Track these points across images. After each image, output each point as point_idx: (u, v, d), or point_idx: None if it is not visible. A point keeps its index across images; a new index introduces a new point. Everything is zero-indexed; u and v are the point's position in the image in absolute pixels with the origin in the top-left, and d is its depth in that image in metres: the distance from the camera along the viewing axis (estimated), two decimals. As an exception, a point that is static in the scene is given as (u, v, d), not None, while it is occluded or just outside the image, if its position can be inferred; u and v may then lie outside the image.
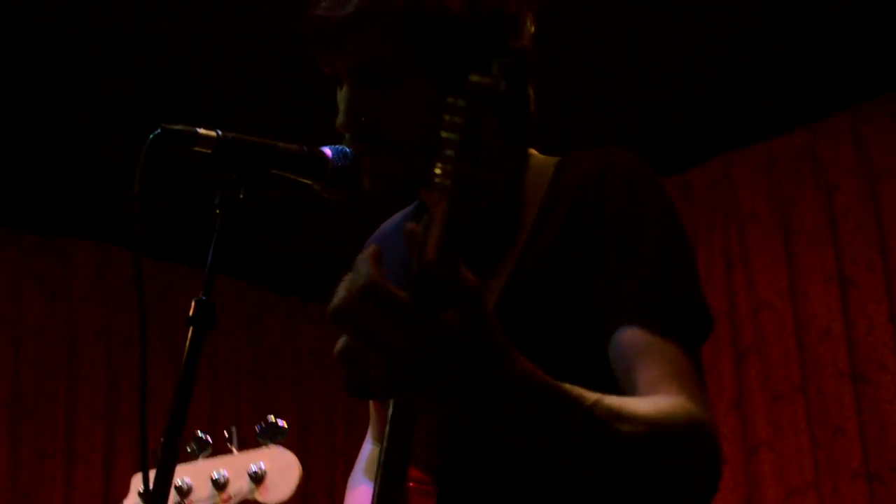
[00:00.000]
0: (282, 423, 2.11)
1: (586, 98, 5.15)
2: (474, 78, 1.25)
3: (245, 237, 6.08)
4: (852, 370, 5.14)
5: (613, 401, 1.44)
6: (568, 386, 1.37)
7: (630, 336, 1.63)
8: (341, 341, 1.30)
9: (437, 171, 1.24)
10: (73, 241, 6.13)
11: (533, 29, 1.84)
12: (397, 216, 2.10)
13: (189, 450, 2.13)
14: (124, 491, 6.05)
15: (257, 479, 2.08)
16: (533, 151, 1.95)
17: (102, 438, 6.01)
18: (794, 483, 5.18)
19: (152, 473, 1.50)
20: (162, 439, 1.51)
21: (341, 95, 1.79)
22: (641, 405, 1.49)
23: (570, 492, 1.64)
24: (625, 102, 5.23)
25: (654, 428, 1.46)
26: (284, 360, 6.96)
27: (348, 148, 1.77)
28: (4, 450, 5.73)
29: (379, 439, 2.17)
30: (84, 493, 5.88)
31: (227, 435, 2.12)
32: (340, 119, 1.78)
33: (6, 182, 5.62)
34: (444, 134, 1.23)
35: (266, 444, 2.09)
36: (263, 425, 2.11)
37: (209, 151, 1.65)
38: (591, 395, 1.40)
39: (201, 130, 1.64)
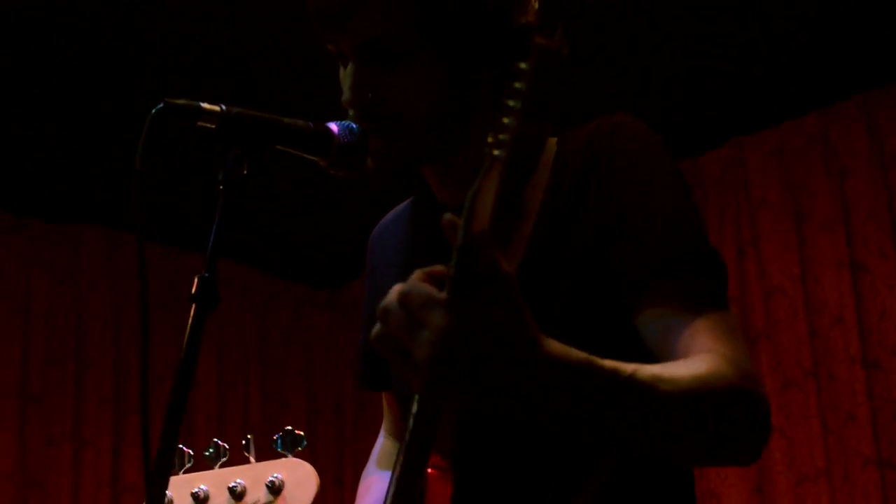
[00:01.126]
0: (299, 432, 2.09)
1: (597, 83, 5.12)
2: (539, 40, 1.18)
3: (255, 223, 6.07)
4: (864, 356, 5.11)
5: (653, 367, 1.41)
6: (605, 360, 1.33)
7: (660, 309, 1.60)
8: (378, 330, 1.27)
9: (490, 139, 1.18)
10: (80, 227, 6.11)
11: (537, 6, 1.82)
12: (392, 214, 2.09)
13: (206, 455, 2.11)
14: (133, 476, 6.05)
15: (275, 489, 2.06)
16: None
17: (110, 424, 6.00)
18: (805, 470, 5.16)
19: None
20: (164, 421, 1.48)
21: (345, 73, 1.77)
22: (681, 367, 1.46)
23: (587, 473, 1.62)
24: (635, 87, 5.20)
25: (697, 385, 1.42)
26: (293, 348, 6.95)
27: (354, 124, 1.75)
28: (13, 436, 5.72)
29: (393, 433, 2.16)
30: (92, 478, 5.87)
31: (244, 443, 2.10)
32: (346, 95, 1.76)
33: (12, 169, 5.61)
34: (505, 101, 1.17)
35: (284, 455, 2.08)
36: (281, 435, 2.10)
37: (213, 126, 1.62)
38: (629, 365, 1.36)
39: (205, 105, 1.62)
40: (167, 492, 1.50)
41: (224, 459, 2.11)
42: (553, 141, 1.86)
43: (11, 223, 5.95)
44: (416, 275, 1.26)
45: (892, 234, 5.13)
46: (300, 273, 6.97)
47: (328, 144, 1.72)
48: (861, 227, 5.22)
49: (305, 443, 2.10)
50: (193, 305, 1.53)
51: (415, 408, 1.34)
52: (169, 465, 1.46)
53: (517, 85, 1.14)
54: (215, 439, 2.15)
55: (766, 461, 5.21)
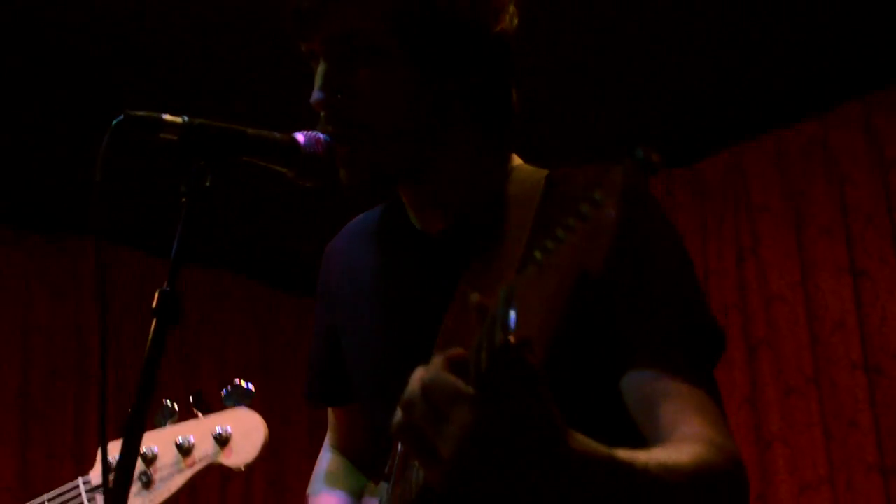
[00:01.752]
0: (249, 385, 2.07)
1: (596, 91, 5.10)
2: (625, 178, 1.10)
3: (257, 235, 6.06)
4: (865, 362, 5.07)
5: (659, 455, 1.42)
6: (620, 451, 1.34)
7: (647, 376, 1.60)
8: (400, 420, 1.25)
9: (540, 247, 1.14)
10: (79, 240, 6.09)
11: (515, 21, 1.80)
12: (353, 227, 2.05)
13: (156, 417, 2.10)
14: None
15: (222, 441, 2.04)
16: (516, 158, 1.90)
17: (113, 438, 5.96)
18: (807, 478, 5.12)
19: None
20: (122, 435, 1.46)
21: (317, 74, 1.75)
22: (683, 454, 1.46)
23: None
24: (634, 94, 5.17)
25: (699, 476, 1.45)
26: (298, 360, 6.91)
27: (322, 133, 1.73)
28: (14, 450, 5.71)
29: (339, 447, 2.15)
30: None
31: (191, 400, 2.08)
32: (315, 95, 1.74)
33: (11, 182, 5.60)
34: (567, 218, 1.11)
35: (231, 407, 2.05)
36: (230, 388, 2.08)
37: (175, 138, 1.60)
38: (640, 455, 1.37)
39: (166, 117, 1.60)
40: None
41: (174, 418, 2.10)
42: (541, 175, 1.82)
43: (10, 237, 5.94)
44: (438, 363, 1.23)
45: (892, 239, 5.10)
46: (304, 285, 6.94)
47: (294, 155, 1.70)
48: (861, 232, 5.19)
49: (254, 393, 2.09)
50: (154, 320, 1.51)
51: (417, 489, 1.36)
52: (129, 478, 1.44)
53: (583, 208, 1.09)
54: (165, 400, 2.13)
55: (769, 469, 5.18)
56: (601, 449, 1.30)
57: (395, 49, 1.71)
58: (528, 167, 1.88)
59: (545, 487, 1.24)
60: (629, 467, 1.33)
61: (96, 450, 5.67)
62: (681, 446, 1.50)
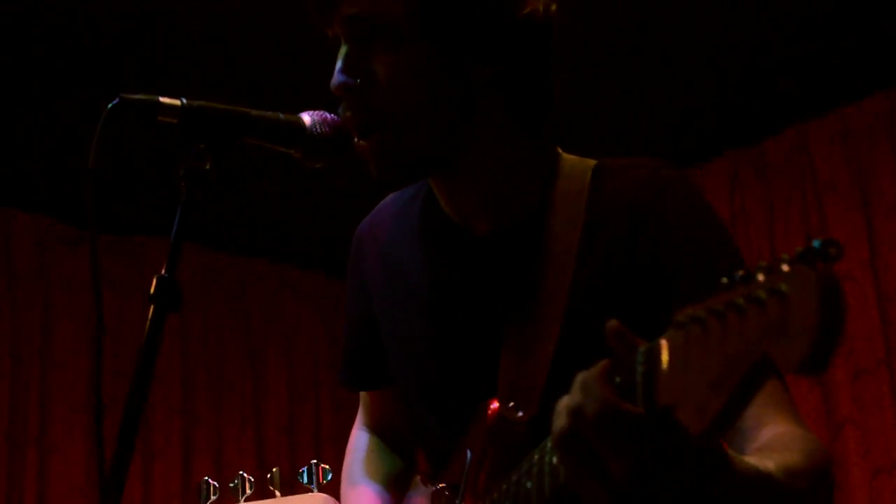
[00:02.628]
0: (325, 466, 2.07)
1: (655, 74, 5.03)
2: (824, 279, 1.05)
3: (321, 228, 6.05)
4: (938, 342, 4.95)
5: (778, 460, 1.43)
6: (755, 462, 1.38)
7: None
8: (567, 426, 1.25)
9: (687, 313, 1.14)
10: (145, 239, 6.12)
11: (553, 6, 1.74)
12: (388, 209, 2.00)
13: (230, 487, 2.08)
14: (198, 478, 6.07)
15: None
16: (560, 150, 1.86)
17: (179, 435, 6.01)
18: (880, 461, 5.01)
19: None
20: (120, 427, 1.43)
21: (339, 55, 1.72)
22: (793, 455, 1.48)
23: None
24: (693, 77, 5.10)
25: (816, 473, 1.49)
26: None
27: (329, 114, 1.69)
28: (86, 452, 5.76)
29: (372, 427, 2.13)
30: (163, 489, 5.88)
31: (269, 476, 2.08)
32: (334, 79, 1.70)
33: (74, 182, 5.64)
34: (736, 299, 1.09)
35: (309, 490, 2.05)
36: (307, 468, 2.07)
37: (175, 121, 1.57)
38: (765, 463, 1.40)
39: (163, 99, 1.57)
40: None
41: (249, 493, 2.09)
42: (588, 166, 1.80)
43: (75, 236, 5.99)
44: (598, 377, 1.23)
45: (962, 215, 4.97)
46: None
47: (300, 136, 1.66)
48: (931, 207, 5.07)
49: (331, 476, 2.08)
50: (152, 307, 1.47)
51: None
52: (125, 470, 1.41)
53: (761, 294, 1.06)
54: (241, 472, 2.11)
55: (841, 453, 5.07)
56: (750, 465, 1.35)
57: (416, 33, 1.66)
58: (572, 158, 1.84)
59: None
60: (769, 478, 1.37)
61: (164, 446, 5.71)
62: (790, 447, 1.51)
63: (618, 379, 1.21)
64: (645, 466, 1.19)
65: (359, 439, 2.13)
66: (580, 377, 1.24)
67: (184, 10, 4.43)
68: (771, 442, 1.53)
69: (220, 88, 4.35)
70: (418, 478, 1.94)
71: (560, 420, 1.24)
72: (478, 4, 1.67)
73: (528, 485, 1.46)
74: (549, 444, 1.37)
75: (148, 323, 1.47)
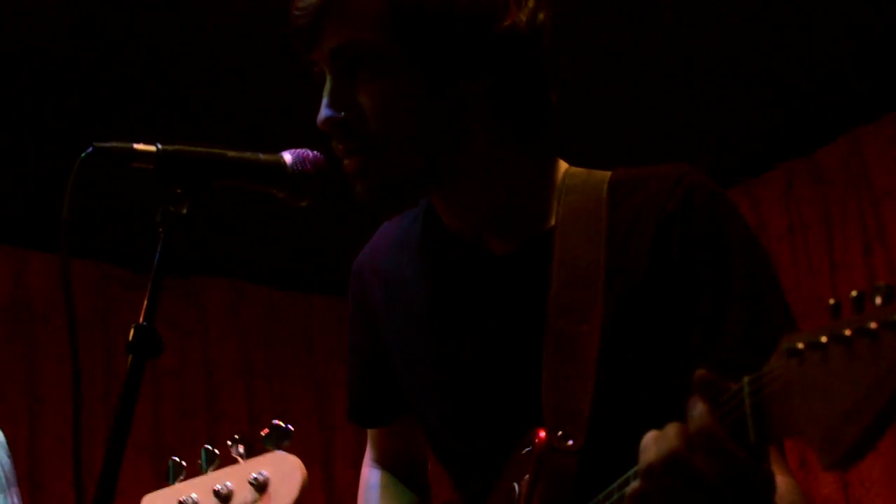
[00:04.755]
0: (287, 426, 2.02)
1: (710, 81, 4.97)
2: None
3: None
4: None
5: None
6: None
7: None
8: (643, 488, 1.31)
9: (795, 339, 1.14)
10: (204, 279, 6.16)
11: (541, 15, 1.71)
12: (398, 221, 1.96)
13: (198, 463, 2.06)
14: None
15: (259, 487, 1.99)
16: (562, 163, 1.83)
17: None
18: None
19: None
20: (99, 476, 1.42)
21: (324, 90, 1.71)
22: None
23: None
24: (746, 86, 5.06)
25: None
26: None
27: (310, 151, 1.67)
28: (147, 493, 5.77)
29: (383, 463, 2.10)
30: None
31: (230, 444, 2.05)
32: (320, 114, 1.69)
33: (129, 225, 5.69)
34: (843, 330, 1.08)
35: (270, 450, 2.01)
36: (268, 431, 2.04)
37: (150, 167, 1.56)
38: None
39: (138, 146, 1.56)
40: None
41: (215, 464, 2.06)
42: (603, 178, 1.77)
43: (134, 280, 6.04)
44: (672, 442, 1.27)
45: None
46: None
47: (281, 175, 1.64)
48: None
49: (292, 433, 2.04)
50: (130, 356, 1.46)
51: None
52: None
53: (873, 326, 1.05)
54: (206, 446, 2.09)
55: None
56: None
57: (397, 56, 1.65)
58: (578, 171, 1.81)
59: None
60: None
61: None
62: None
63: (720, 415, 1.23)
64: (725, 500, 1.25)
65: (371, 477, 2.10)
66: (696, 419, 1.25)
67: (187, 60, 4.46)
68: (782, 494, 1.51)
69: (215, 130, 4.38)
70: None
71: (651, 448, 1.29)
72: (457, 21, 1.65)
73: None
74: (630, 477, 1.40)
75: (127, 371, 1.44)
